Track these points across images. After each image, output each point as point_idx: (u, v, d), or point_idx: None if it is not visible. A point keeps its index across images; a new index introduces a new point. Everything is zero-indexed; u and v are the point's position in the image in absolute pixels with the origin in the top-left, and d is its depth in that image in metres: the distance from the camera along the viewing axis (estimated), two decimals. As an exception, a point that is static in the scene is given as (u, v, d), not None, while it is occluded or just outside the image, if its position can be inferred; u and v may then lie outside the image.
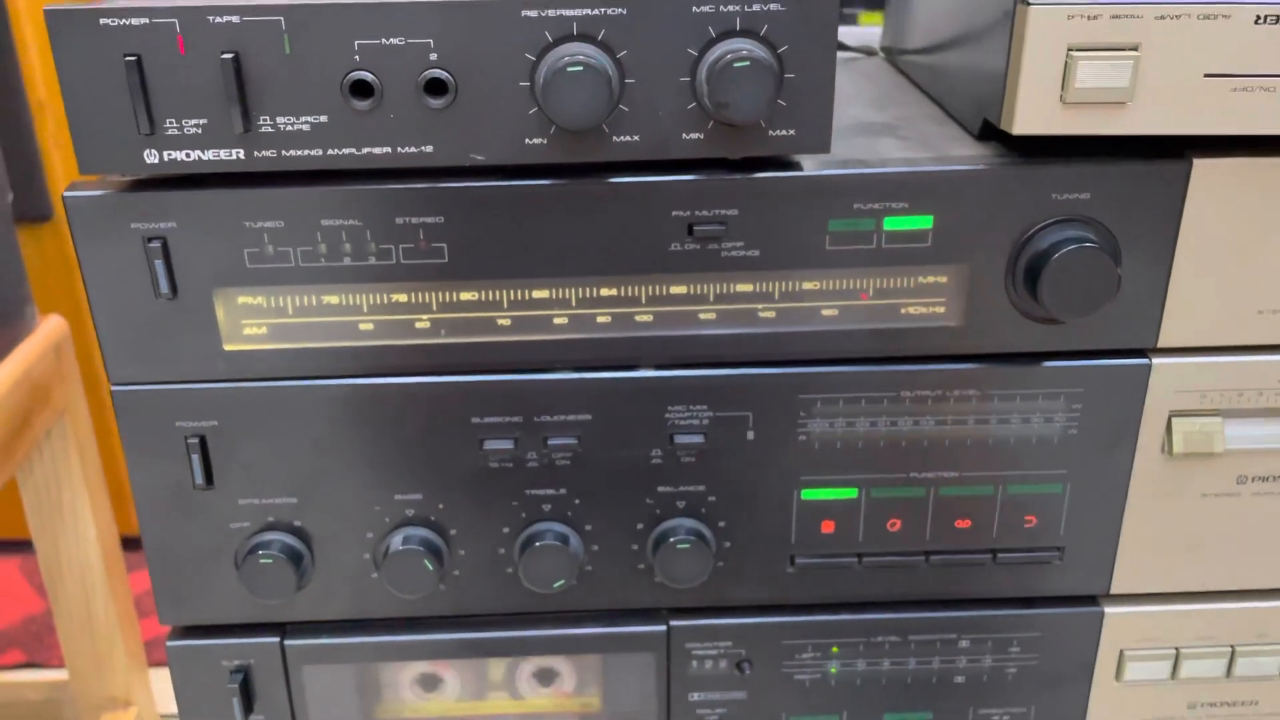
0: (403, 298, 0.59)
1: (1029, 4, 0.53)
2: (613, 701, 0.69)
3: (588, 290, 0.59)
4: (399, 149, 0.55)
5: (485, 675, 0.69)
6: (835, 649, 0.68)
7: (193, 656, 0.66)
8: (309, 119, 0.54)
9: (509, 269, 0.58)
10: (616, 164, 0.56)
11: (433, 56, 0.53)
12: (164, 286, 0.57)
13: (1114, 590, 0.67)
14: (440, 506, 0.63)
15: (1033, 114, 0.54)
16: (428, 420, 0.61)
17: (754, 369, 0.61)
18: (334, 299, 0.59)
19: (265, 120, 0.54)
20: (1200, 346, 0.61)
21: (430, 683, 0.69)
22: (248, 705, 0.66)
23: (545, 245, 0.58)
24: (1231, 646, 0.68)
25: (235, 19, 0.52)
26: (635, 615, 0.67)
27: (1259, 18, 0.53)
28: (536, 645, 0.67)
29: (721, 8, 0.53)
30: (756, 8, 0.53)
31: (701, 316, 0.60)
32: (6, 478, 0.90)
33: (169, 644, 0.66)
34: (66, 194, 0.56)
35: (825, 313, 0.60)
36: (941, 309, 0.60)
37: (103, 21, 0.52)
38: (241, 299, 0.58)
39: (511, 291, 0.59)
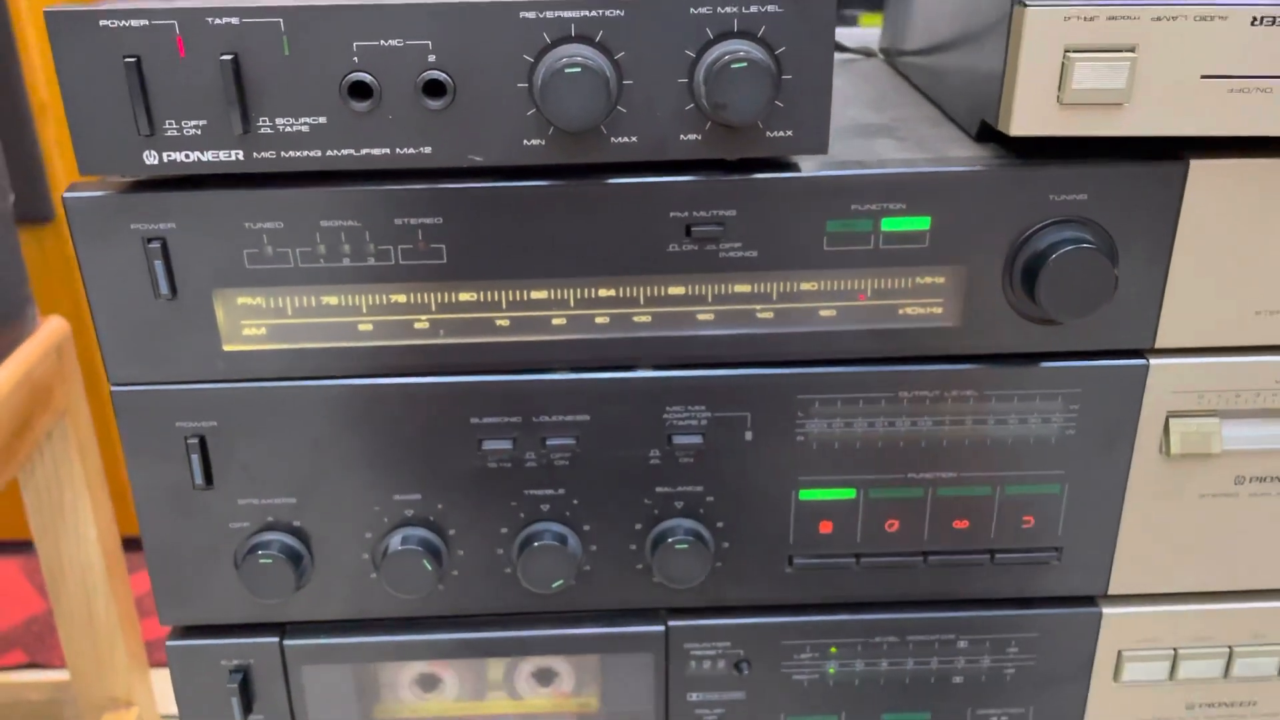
0: (401, 298, 0.59)
1: (1026, 5, 0.53)
2: (611, 702, 0.69)
3: (586, 291, 0.59)
4: (398, 150, 0.55)
5: (484, 675, 0.69)
6: (834, 649, 0.68)
7: (193, 656, 0.66)
8: (308, 120, 0.54)
9: (507, 270, 0.58)
10: (614, 165, 0.56)
11: (431, 58, 0.53)
12: (164, 287, 0.57)
13: (1112, 591, 0.67)
14: (439, 507, 0.63)
15: (1030, 115, 0.54)
16: (426, 420, 0.61)
17: (752, 369, 0.61)
18: (333, 300, 0.59)
19: (264, 121, 0.54)
20: (1197, 347, 0.61)
21: (429, 683, 0.69)
22: (247, 705, 0.66)
23: (543, 246, 0.58)
24: (1229, 647, 0.68)
25: (234, 21, 0.52)
26: (634, 615, 0.67)
27: (1255, 19, 0.53)
28: (535, 645, 0.67)
29: (719, 9, 0.53)
30: (754, 9, 0.53)
31: (700, 317, 0.60)
32: (8, 478, 0.90)
33: (169, 644, 0.66)
34: (66, 195, 0.56)
35: (823, 313, 0.60)
36: (939, 310, 0.60)
37: (102, 23, 0.52)
38: (241, 300, 0.59)
39: (510, 292, 0.59)
